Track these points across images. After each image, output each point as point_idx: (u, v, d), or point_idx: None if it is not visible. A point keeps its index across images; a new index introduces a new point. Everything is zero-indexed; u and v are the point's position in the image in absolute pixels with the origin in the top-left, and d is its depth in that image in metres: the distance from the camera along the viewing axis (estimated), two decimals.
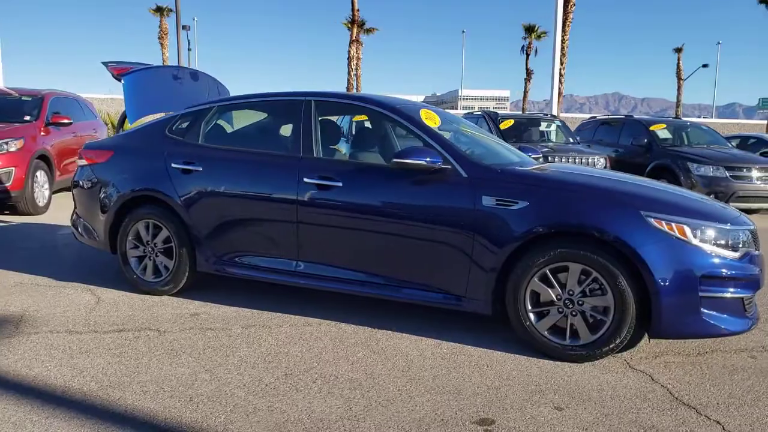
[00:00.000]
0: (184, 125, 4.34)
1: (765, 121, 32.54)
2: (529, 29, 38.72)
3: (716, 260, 3.07)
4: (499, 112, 11.83)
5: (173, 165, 4.16)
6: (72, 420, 2.46)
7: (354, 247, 3.68)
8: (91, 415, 2.51)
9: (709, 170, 9.95)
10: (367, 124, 4.74)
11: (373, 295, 3.69)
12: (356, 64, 24.18)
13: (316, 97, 4.01)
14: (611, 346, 3.13)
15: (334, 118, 4.54)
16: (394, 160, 3.48)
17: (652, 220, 3.08)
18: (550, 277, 3.21)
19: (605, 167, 9.64)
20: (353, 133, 4.42)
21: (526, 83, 38.56)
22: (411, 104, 4.10)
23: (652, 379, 3.02)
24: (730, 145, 11.76)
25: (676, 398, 2.81)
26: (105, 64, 5.05)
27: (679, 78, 43.03)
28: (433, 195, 3.47)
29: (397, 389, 2.83)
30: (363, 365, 3.11)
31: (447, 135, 3.80)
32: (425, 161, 3.42)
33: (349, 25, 30.67)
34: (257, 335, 3.53)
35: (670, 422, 2.57)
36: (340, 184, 3.67)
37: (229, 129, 4.42)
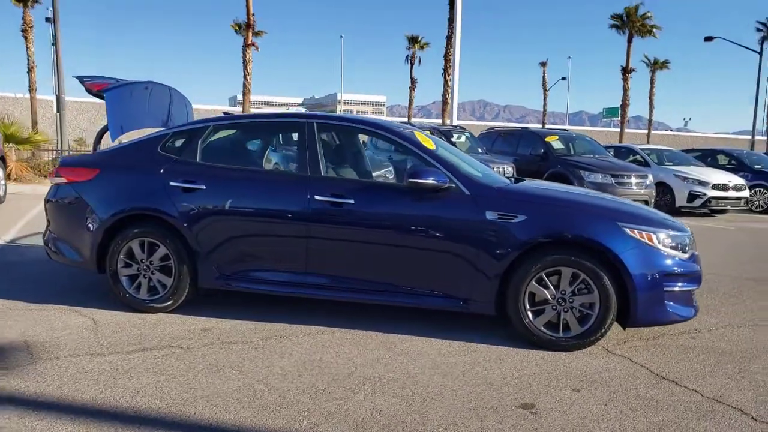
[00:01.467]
0: (179, 143, 4.39)
1: (614, 129, 36.82)
2: (413, 40, 40.31)
3: (674, 261, 3.79)
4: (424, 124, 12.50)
5: (172, 183, 4.21)
6: None
7: (367, 258, 4.00)
8: (181, 431, 2.64)
9: (598, 177, 11.32)
10: (344, 143, 4.99)
11: (386, 302, 4.04)
12: (251, 68, 24.01)
13: (318, 120, 4.27)
14: (597, 335, 3.74)
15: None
16: (409, 179, 3.86)
17: (627, 230, 3.74)
18: (546, 279, 3.77)
19: (513, 174, 10.64)
20: (337, 152, 4.69)
21: (411, 91, 40.14)
22: (406, 128, 4.49)
23: (632, 361, 3.68)
24: (609, 154, 13.37)
25: (657, 374, 3.47)
26: (80, 79, 4.87)
27: (544, 89, 47.02)
28: (441, 211, 3.89)
29: (439, 385, 3.22)
30: (396, 366, 3.46)
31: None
32: (436, 181, 3.84)
33: (237, 28, 30.49)
34: (282, 346, 3.74)
35: (662, 394, 3.20)
36: (352, 201, 3.97)
37: (227, 148, 4.52)
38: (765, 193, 14.57)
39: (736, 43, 29.70)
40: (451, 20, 26.00)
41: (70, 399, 2.91)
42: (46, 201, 4.63)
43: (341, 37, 70.87)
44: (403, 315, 4.35)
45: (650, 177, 11.86)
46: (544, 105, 46.49)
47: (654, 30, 33.26)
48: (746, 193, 13.33)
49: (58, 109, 19.08)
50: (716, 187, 12.83)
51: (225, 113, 4.84)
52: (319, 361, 3.51)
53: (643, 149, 14.87)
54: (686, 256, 3.88)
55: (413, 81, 40.62)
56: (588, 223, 3.75)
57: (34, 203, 10.04)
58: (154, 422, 2.71)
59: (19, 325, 3.96)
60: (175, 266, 4.22)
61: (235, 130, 4.57)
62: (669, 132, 55.65)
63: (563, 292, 3.76)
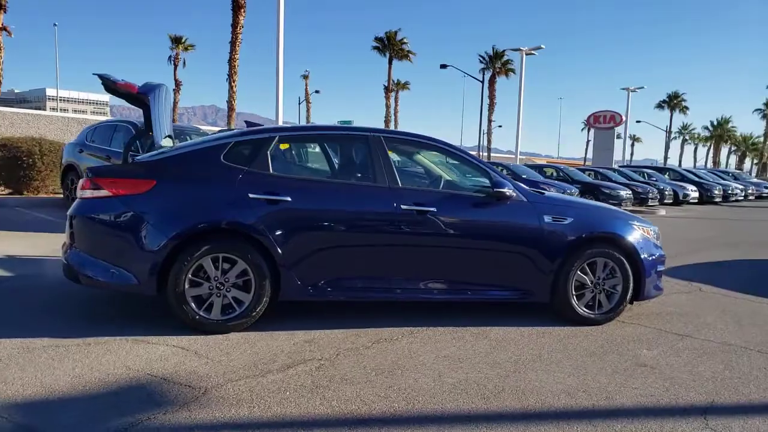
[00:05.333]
0: (245, 153, 4.19)
1: None
2: (176, 40, 38.40)
3: (659, 249, 5.06)
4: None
5: (251, 195, 4.03)
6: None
7: (448, 261, 4.42)
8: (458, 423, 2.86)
9: None
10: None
11: (465, 300, 4.52)
12: (2, 54, 20.24)
13: (384, 134, 4.52)
14: (620, 309, 4.81)
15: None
16: (496, 189, 4.42)
17: (636, 227, 4.88)
18: (586, 268, 4.70)
19: None
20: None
21: (175, 93, 38.11)
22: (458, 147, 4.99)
23: (644, 326, 4.81)
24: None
25: (674, 333, 4.65)
26: (105, 77, 4.06)
27: (307, 101, 48.96)
28: (509, 217, 4.53)
29: (563, 359, 3.88)
30: (511, 351, 4.00)
31: None
32: (509, 190, 4.48)
33: None
34: (402, 347, 3.96)
35: (697, 344, 4.35)
36: (434, 210, 4.36)
37: (298, 159, 4.42)
38: None
39: (464, 72, 35.29)
40: (235, 25, 25.81)
41: (314, 415, 2.86)
42: (73, 216, 3.94)
43: (55, 25, 63.52)
44: (454, 311, 4.85)
45: None
46: (308, 115, 48.41)
47: (410, 55, 37.47)
48: None
49: None
50: None
51: (247, 123, 4.70)
52: (451, 356, 3.86)
53: None
54: (660, 244, 5.19)
55: (177, 83, 38.71)
56: (614, 223, 4.80)
57: None
58: (422, 420, 2.86)
59: (106, 361, 3.42)
60: (255, 282, 4.04)
61: (301, 142, 4.50)
62: None
63: (599, 278, 4.73)
